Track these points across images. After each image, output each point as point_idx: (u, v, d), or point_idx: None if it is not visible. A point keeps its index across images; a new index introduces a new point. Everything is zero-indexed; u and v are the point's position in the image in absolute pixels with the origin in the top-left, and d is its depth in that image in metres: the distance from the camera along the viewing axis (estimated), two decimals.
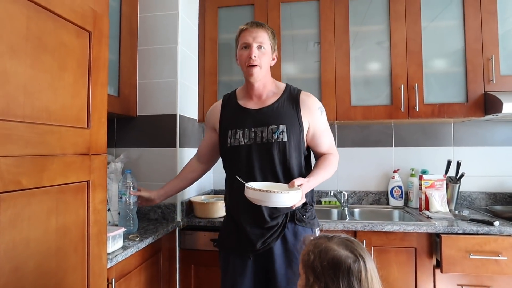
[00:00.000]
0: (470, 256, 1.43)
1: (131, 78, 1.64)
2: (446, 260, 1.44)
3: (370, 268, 0.68)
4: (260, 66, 1.19)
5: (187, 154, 1.76)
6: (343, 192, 1.90)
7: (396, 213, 1.91)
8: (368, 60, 1.87)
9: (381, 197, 2.06)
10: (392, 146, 2.08)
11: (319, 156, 1.30)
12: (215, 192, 2.18)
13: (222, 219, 1.63)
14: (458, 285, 1.48)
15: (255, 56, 1.18)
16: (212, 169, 2.21)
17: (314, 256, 0.71)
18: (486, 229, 1.46)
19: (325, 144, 1.29)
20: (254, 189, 1.02)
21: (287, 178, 1.17)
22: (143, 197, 1.41)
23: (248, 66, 1.19)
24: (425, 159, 2.03)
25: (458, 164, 1.85)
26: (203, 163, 1.49)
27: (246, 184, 1.05)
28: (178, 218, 1.63)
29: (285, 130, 1.18)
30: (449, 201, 1.80)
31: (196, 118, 1.95)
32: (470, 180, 1.95)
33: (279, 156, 1.18)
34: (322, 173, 1.20)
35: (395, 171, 2.00)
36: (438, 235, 1.48)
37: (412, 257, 1.52)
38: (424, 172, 1.93)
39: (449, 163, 1.88)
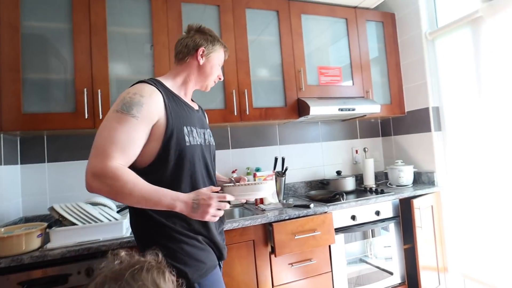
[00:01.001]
0: (296, 237, 1.66)
1: None
2: (278, 244, 1.62)
3: None
4: None
5: None
6: None
7: (236, 211, 2.03)
8: None
9: None
10: (229, 148, 2.22)
11: None
12: (27, 220, 1.72)
13: (35, 253, 1.28)
14: (289, 264, 1.69)
15: None
16: (21, 191, 1.76)
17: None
18: (305, 211, 1.74)
19: None
20: (246, 184, 1.09)
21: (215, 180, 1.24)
22: None
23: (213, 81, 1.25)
24: (258, 158, 2.26)
25: (283, 160, 2.15)
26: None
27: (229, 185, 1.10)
28: None
29: (211, 135, 1.26)
30: (278, 193, 2.05)
31: None
32: (293, 173, 2.31)
33: (214, 158, 1.26)
34: None
35: (233, 172, 2.14)
36: (270, 224, 1.65)
37: (251, 249, 1.63)
38: (257, 169, 2.14)
39: (276, 159, 2.16)
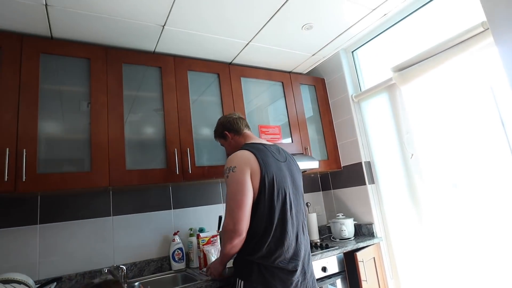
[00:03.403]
0: None
1: None
2: None
3: None
4: (228, 153, 1.77)
5: None
6: (121, 266, 1.77)
7: (179, 276, 1.97)
8: (144, 125, 1.99)
9: (163, 263, 2.07)
10: (171, 209, 2.21)
11: None
12: None
13: None
14: None
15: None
16: None
17: None
18: None
19: None
20: None
21: None
22: None
23: None
24: (201, 218, 2.28)
25: None
26: None
27: None
28: None
29: None
30: None
31: None
32: None
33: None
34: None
35: (175, 233, 2.10)
36: None
37: None
38: (201, 230, 2.14)
39: (220, 218, 2.19)
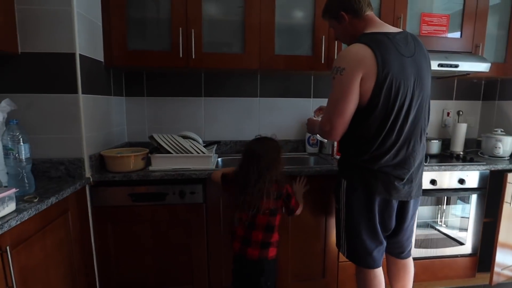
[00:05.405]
0: None
1: (5, 1, 1.29)
2: None
3: None
4: (338, 38, 1.48)
5: (93, 102, 1.56)
6: None
7: (312, 159, 2.16)
8: (294, 8, 1.89)
9: (299, 145, 2.29)
10: (311, 97, 2.27)
11: None
12: (131, 145, 2.07)
13: (141, 172, 1.56)
14: None
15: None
16: (126, 119, 2.08)
17: None
18: None
19: None
20: None
21: None
22: None
23: None
24: None
25: None
26: None
27: None
28: (88, 174, 1.49)
29: None
30: None
31: (102, 61, 1.71)
32: None
33: None
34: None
35: None
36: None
37: (321, 196, 1.73)
38: None
39: None
